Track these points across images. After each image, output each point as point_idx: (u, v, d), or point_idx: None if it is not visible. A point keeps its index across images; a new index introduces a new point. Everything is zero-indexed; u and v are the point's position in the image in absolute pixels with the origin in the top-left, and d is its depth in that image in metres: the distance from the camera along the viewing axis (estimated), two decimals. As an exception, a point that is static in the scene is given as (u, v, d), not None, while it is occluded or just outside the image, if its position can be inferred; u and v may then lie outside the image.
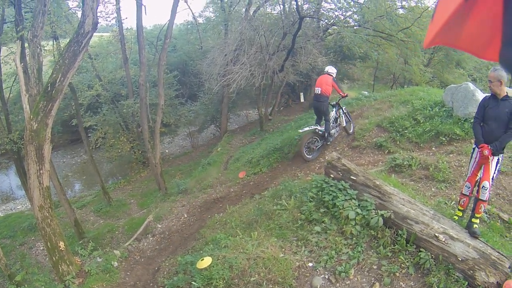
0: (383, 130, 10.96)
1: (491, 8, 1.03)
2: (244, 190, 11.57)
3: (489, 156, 5.10)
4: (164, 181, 15.55)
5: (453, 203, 6.45)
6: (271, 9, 21.20)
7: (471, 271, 4.67)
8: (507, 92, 5.06)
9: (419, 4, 20.25)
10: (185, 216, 11.47)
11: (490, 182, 5.19)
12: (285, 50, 18.32)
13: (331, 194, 6.06)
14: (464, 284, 4.68)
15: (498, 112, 5.06)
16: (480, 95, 9.80)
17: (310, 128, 10.84)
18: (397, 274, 5.05)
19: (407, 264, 5.13)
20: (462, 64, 35.10)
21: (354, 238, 5.60)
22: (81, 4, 9.96)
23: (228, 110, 24.49)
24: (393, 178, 7.38)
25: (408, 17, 20.49)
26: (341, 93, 10.92)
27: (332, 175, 6.39)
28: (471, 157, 5.41)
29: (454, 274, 4.77)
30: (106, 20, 19.07)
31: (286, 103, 27.68)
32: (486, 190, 5.17)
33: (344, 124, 11.29)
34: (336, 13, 20.50)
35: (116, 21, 19.64)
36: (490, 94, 5.30)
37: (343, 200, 5.87)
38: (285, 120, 21.22)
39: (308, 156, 10.97)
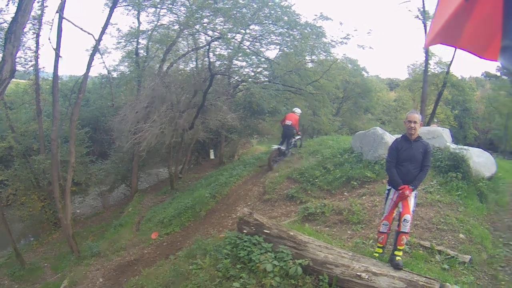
0: (293, 182, 11.44)
1: (491, 8, 1.06)
2: (158, 251, 11.41)
3: (409, 195, 5.49)
4: (76, 243, 14.74)
5: (371, 241, 6.89)
6: (183, 66, 21.46)
7: (402, 300, 5.08)
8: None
9: (328, 57, 21.57)
10: (101, 280, 10.92)
11: (411, 215, 5.54)
12: (195, 107, 18.61)
13: (246, 250, 6.09)
14: None
15: (413, 153, 5.45)
16: (389, 138, 10.80)
17: (277, 147, 14.63)
18: (326, 317, 5.22)
19: (334, 306, 5.32)
20: (371, 109, 38.23)
21: (275, 290, 5.69)
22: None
23: (138, 169, 23.88)
24: (307, 227, 7.71)
25: (317, 70, 21.99)
26: (298, 131, 15.09)
27: (245, 231, 6.44)
28: (387, 198, 5.74)
29: (386, 306, 5.08)
30: (24, 68, 17.93)
31: (196, 160, 27.86)
32: (407, 222, 5.45)
33: (298, 144, 15.54)
34: (247, 70, 21.27)
35: (33, 69, 18.65)
36: (400, 137, 5.76)
37: (258, 254, 5.92)
38: (196, 178, 21.40)
39: (273, 165, 14.09)
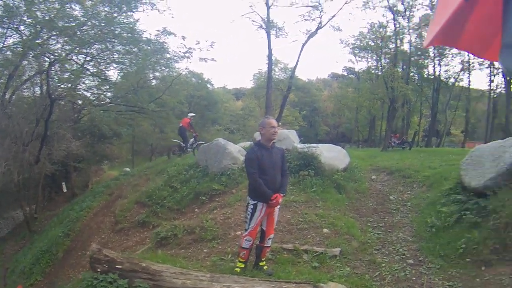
0: (143, 206, 11.25)
1: (491, 8, 1.06)
2: None
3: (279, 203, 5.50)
4: None
5: (230, 256, 6.61)
6: (30, 92, 20.22)
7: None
8: None
9: (171, 73, 21.72)
10: None
11: (274, 232, 5.69)
12: (39, 138, 17.39)
13: None
14: None
15: (274, 160, 5.38)
16: (232, 147, 11.09)
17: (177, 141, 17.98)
18: None
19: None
20: (218, 121, 40.02)
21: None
22: None
23: None
24: (160, 253, 7.22)
25: (160, 87, 21.94)
26: (194, 132, 18.00)
27: (99, 269, 5.75)
28: (253, 212, 5.37)
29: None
30: None
31: (49, 196, 25.59)
32: (271, 239, 5.62)
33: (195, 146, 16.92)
34: (89, 92, 20.73)
35: None
36: (254, 145, 5.70)
37: None
38: (51, 216, 19.87)
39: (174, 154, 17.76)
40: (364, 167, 12.40)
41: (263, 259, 5.60)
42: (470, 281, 5.28)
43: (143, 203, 11.27)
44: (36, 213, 21.01)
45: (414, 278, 5.69)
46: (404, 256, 6.61)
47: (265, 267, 5.55)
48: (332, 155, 11.12)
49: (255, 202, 5.32)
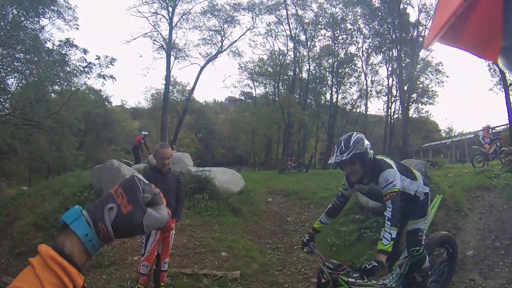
0: (40, 228, 10.39)
1: (491, 8, 0.89)
2: None
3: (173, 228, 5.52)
4: None
5: (129, 282, 6.46)
6: None
7: None
8: None
9: (69, 88, 20.61)
10: None
11: (169, 256, 5.70)
12: None
13: None
14: None
15: (168, 185, 5.35)
16: (126, 170, 10.78)
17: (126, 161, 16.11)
18: None
19: None
20: (114, 140, 39.04)
21: None
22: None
23: None
24: None
25: (58, 102, 20.77)
26: (148, 151, 17.12)
27: None
28: (148, 237, 5.31)
29: None
30: None
31: None
32: (167, 263, 5.62)
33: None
34: None
35: None
36: (149, 169, 5.99)
37: None
38: None
39: None
40: (260, 190, 12.62)
41: (162, 284, 5.54)
42: None
43: (40, 225, 10.45)
44: None
45: None
46: (306, 275, 6.79)
47: None
48: (227, 179, 11.24)
49: None
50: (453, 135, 51.11)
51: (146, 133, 19.51)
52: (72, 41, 19.20)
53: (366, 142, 3.69)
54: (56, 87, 20.47)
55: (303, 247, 4.10)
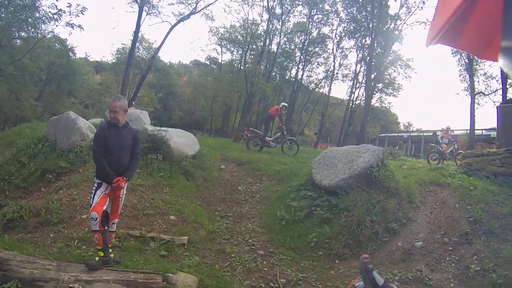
0: None
1: (491, 8, 1.09)
2: None
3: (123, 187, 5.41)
4: None
5: (76, 242, 6.38)
6: None
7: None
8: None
9: (35, 34, 20.22)
10: None
11: (118, 217, 5.71)
12: None
13: None
14: None
15: (122, 141, 5.31)
16: (83, 123, 10.49)
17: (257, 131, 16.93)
18: None
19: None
20: (74, 93, 38.37)
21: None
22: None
23: None
24: (7, 238, 6.62)
25: (22, 49, 20.43)
26: (281, 123, 16.62)
27: None
28: (96, 191, 5.21)
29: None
30: None
31: None
32: (115, 224, 5.62)
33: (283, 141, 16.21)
34: None
35: None
36: (106, 123, 5.57)
37: None
38: None
39: (250, 147, 16.08)
40: (214, 156, 12.56)
41: (109, 246, 5.38)
42: (324, 273, 5.72)
43: None
44: None
45: (266, 269, 6.01)
46: (254, 247, 6.97)
47: (111, 255, 5.37)
48: (182, 141, 11.16)
49: (99, 181, 5.22)
50: (411, 130, 53.01)
51: (285, 104, 19.04)
52: None
53: None
54: (23, 33, 20.08)
55: None
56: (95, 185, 5.22)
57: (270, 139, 16.36)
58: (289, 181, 10.03)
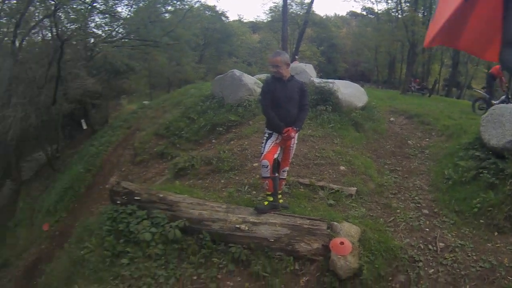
0: (161, 138, 11.43)
1: (491, 8, 1.08)
2: (54, 242, 10.64)
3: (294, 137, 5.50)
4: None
5: (246, 187, 6.78)
6: (40, 37, 20.04)
7: (290, 246, 4.95)
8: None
9: (182, 6, 21.65)
10: (14, 292, 9.95)
11: (289, 166, 5.86)
12: (53, 80, 17.34)
13: (123, 222, 5.81)
14: (289, 259, 4.93)
15: (289, 93, 5.36)
16: (248, 79, 11.07)
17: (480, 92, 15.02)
18: (219, 276, 5.05)
19: (224, 262, 5.18)
20: (234, 53, 40.04)
21: (162, 258, 5.43)
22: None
23: (17, 158, 21.67)
24: (178, 184, 7.37)
25: (173, 21, 21.79)
26: (505, 84, 14.68)
27: (118, 202, 6.08)
28: (267, 141, 5.43)
29: (275, 255, 4.99)
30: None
31: (70, 134, 26.12)
32: (286, 172, 5.82)
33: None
34: (100, 30, 20.75)
35: None
36: (270, 77, 5.59)
37: (136, 224, 5.69)
38: (72, 154, 20.31)
39: (476, 110, 13.75)
40: (383, 108, 12.19)
41: (279, 192, 5.65)
42: (481, 244, 5.24)
43: (161, 135, 11.46)
44: (58, 153, 21.48)
45: (427, 229, 5.71)
46: (419, 205, 6.64)
47: (280, 200, 5.64)
48: (350, 92, 11.02)
49: (270, 132, 5.42)
50: None
51: None
52: None
53: None
54: (169, 7, 21.41)
55: None
56: (266, 135, 5.41)
57: (496, 102, 13.13)
58: (458, 138, 9.24)
